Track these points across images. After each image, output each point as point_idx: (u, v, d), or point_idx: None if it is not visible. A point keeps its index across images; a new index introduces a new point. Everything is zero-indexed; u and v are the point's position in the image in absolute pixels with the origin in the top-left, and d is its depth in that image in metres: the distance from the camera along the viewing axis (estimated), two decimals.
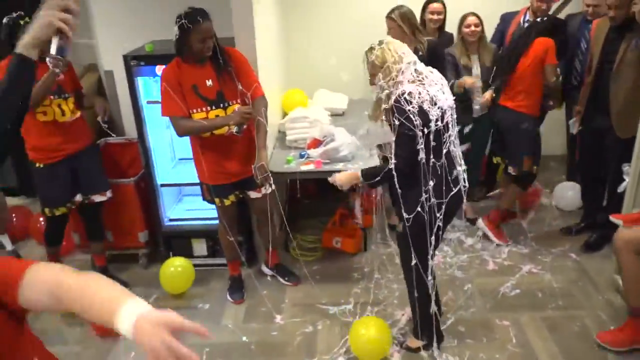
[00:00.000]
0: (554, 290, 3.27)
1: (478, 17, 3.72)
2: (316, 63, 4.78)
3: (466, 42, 3.78)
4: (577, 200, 4.02)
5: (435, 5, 3.93)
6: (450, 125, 2.39)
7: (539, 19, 3.54)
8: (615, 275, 3.15)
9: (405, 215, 2.44)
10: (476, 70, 3.83)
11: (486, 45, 3.83)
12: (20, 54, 1.26)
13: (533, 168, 3.61)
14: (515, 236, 3.87)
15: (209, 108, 2.85)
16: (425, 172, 2.36)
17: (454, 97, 2.46)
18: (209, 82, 2.83)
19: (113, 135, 3.61)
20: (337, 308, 3.19)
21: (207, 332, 1.02)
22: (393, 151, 2.34)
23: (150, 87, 3.41)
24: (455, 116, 2.44)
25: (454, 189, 2.45)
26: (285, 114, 4.04)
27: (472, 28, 3.70)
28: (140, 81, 3.29)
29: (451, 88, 2.66)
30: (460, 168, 2.50)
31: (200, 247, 3.62)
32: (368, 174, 2.51)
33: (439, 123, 2.31)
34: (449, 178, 2.42)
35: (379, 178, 2.44)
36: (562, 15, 3.95)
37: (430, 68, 2.46)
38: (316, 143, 3.55)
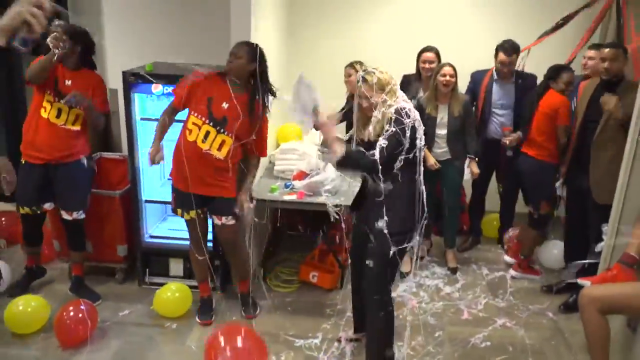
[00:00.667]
0: (525, 346, 3.20)
1: (453, 68, 3.74)
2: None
3: (439, 91, 3.78)
4: (561, 258, 3.98)
5: (428, 55, 3.96)
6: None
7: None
8: None
9: (381, 226, 2.54)
10: (441, 120, 3.81)
11: (457, 96, 3.82)
12: None
13: (552, 211, 3.87)
14: (495, 290, 3.83)
15: (207, 121, 2.94)
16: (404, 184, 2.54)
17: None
18: (225, 105, 2.95)
19: None
20: (304, 341, 3.15)
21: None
22: (378, 150, 2.42)
23: (145, 104, 3.51)
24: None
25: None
26: (278, 146, 4.11)
27: (448, 78, 3.70)
28: (136, 97, 3.40)
29: None
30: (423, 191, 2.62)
31: (176, 267, 3.62)
32: (352, 153, 2.48)
33: (422, 142, 2.55)
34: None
35: (358, 163, 2.47)
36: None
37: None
38: (302, 175, 3.60)
